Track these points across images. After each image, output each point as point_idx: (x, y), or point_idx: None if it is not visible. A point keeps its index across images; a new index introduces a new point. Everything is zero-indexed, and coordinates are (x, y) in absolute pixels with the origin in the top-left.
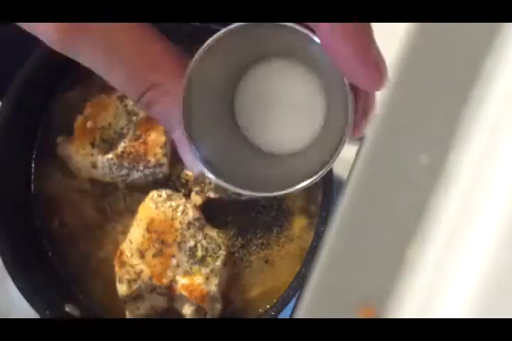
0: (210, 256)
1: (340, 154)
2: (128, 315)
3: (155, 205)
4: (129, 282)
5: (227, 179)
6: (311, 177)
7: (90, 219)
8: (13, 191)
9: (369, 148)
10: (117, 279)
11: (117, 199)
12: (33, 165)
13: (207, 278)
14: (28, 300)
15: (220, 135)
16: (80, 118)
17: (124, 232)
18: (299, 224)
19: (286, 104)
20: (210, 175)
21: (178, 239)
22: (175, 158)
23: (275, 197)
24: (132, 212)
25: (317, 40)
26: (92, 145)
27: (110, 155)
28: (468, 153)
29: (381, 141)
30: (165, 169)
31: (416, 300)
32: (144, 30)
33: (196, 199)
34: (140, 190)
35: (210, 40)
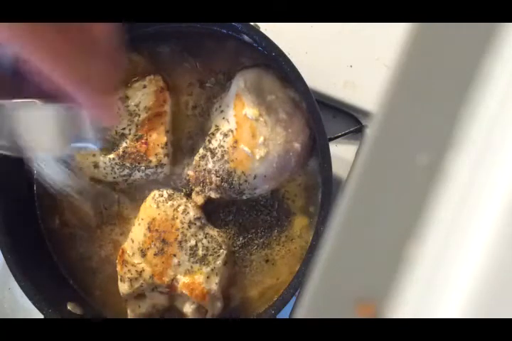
0: (211, 255)
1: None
2: (129, 314)
3: (156, 205)
4: (131, 281)
5: None
6: None
7: (89, 219)
8: (16, 191)
9: (369, 148)
10: (119, 278)
11: (113, 201)
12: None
13: (208, 277)
14: (30, 298)
15: None
16: None
17: (124, 232)
18: (299, 223)
19: None
20: None
21: (179, 238)
22: (176, 158)
23: (276, 197)
24: (132, 212)
25: None
26: None
27: (112, 156)
28: (467, 153)
29: (381, 141)
30: (166, 169)
31: (415, 298)
32: None
33: (197, 198)
34: (139, 191)
35: None
